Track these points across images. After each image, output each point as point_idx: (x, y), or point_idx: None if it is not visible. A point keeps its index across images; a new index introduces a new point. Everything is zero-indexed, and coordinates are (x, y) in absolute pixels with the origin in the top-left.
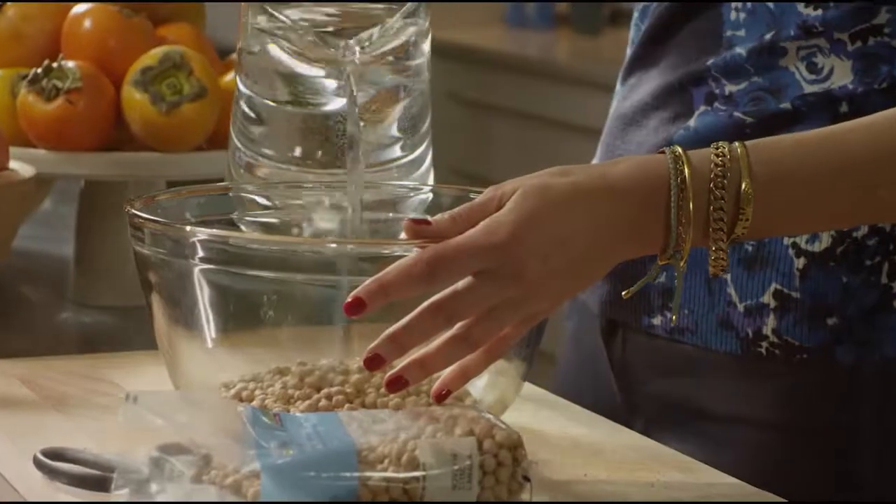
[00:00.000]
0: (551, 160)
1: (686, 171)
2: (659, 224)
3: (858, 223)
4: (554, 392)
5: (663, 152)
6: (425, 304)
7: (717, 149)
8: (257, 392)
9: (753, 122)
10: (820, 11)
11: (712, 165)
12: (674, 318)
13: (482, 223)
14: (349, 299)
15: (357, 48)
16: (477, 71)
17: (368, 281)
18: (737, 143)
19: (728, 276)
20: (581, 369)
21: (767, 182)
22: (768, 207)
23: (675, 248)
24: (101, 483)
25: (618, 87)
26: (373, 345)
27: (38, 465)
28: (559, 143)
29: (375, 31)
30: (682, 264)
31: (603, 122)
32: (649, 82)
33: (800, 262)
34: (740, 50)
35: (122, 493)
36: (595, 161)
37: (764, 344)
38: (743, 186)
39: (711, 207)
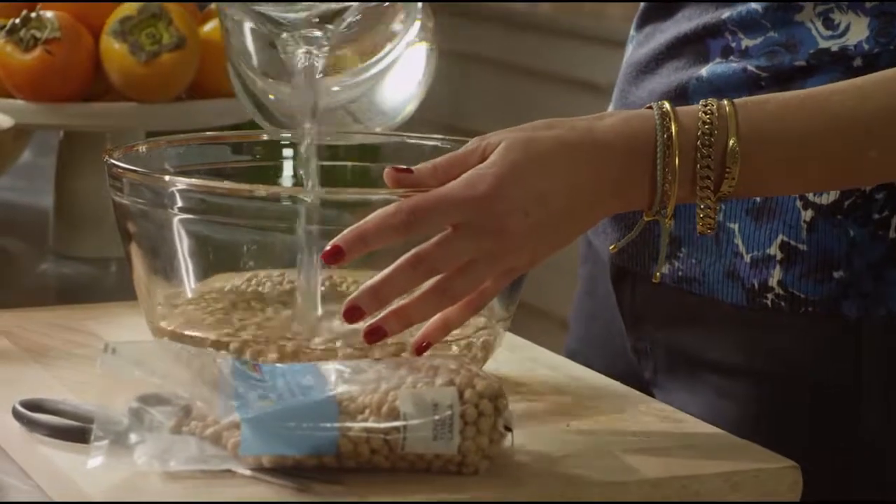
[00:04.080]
0: (534, 112)
1: (673, 127)
2: (644, 180)
3: (852, 185)
4: (567, 338)
5: (651, 108)
6: (405, 256)
7: (706, 106)
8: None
9: (767, 77)
10: None
11: (700, 123)
12: (657, 274)
13: (464, 175)
14: (328, 247)
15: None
16: (460, 22)
17: (347, 229)
18: (725, 101)
19: (735, 227)
20: (594, 315)
21: (754, 141)
22: (755, 166)
23: (660, 204)
24: (80, 434)
25: (632, 32)
26: (352, 296)
27: (17, 416)
28: (542, 94)
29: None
30: (667, 221)
31: (588, 72)
32: (665, 32)
33: (807, 215)
34: (756, 5)
35: (101, 444)
36: (610, 107)
37: (770, 296)
38: (730, 144)
39: (698, 165)
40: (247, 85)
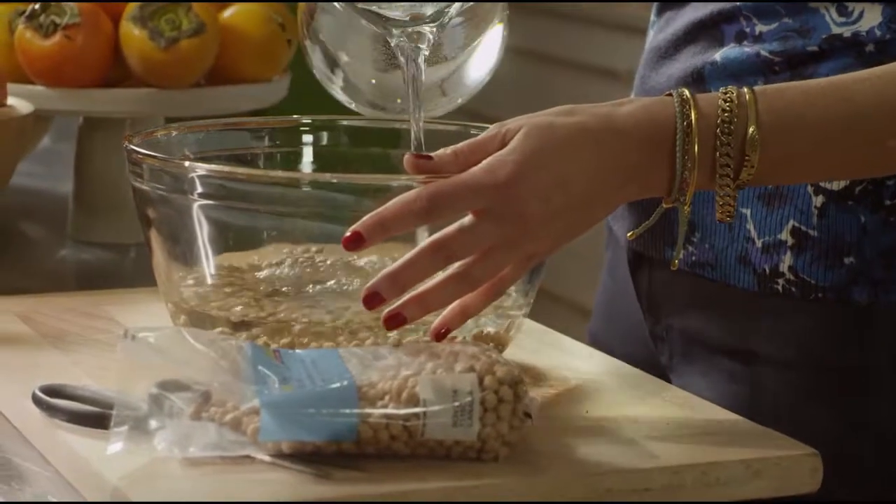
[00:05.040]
0: (554, 98)
1: (692, 114)
2: (663, 167)
3: (869, 174)
4: (590, 323)
5: (671, 95)
6: (425, 242)
7: (726, 93)
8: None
9: (780, 61)
10: None
11: (719, 110)
12: (675, 262)
13: (485, 161)
14: (348, 234)
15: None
16: None
17: (367, 215)
18: (745, 89)
19: (748, 212)
20: (615, 300)
21: (774, 129)
22: (774, 154)
23: (679, 191)
24: (99, 420)
25: (652, 17)
26: (371, 282)
27: (37, 401)
28: (562, 80)
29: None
30: (686, 208)
31: (607, 58)
32: (682, 17)
33: (818, 200)
34: None
35: (120, 430)
36: (632, 93)
37: (780, 281)
38: (749, 132)
39: (717, 153)
40: (331, 63)
